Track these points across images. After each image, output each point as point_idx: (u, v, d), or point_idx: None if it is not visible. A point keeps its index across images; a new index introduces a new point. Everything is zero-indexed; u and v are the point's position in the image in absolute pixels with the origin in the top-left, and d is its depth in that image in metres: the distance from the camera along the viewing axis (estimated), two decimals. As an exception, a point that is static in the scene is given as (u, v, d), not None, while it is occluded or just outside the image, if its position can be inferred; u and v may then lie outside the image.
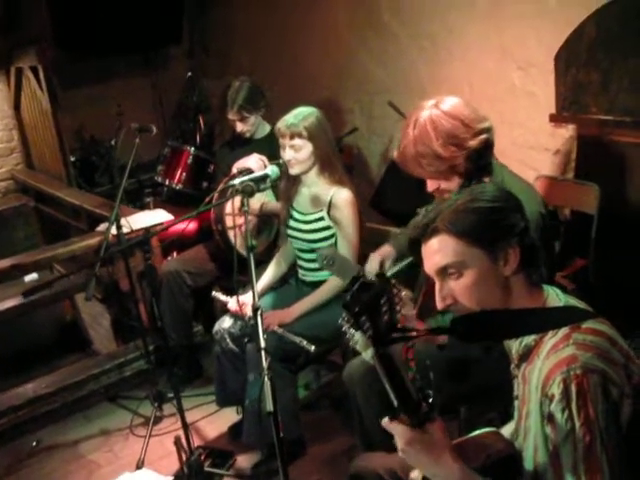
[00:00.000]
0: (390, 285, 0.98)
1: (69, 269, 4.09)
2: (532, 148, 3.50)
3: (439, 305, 1.44)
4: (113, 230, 3.05)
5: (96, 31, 4.48)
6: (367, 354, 1.04)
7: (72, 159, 4.74)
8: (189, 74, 5.58)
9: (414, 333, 1.15)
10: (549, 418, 1.31)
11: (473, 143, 1.94)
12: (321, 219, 2.80)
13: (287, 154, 2.72)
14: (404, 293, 1.36)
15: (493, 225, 1.40)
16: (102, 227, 3.49)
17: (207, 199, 2.64)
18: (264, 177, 2.55)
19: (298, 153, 2.70)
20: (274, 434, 1.74)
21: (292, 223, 2.91)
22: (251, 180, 2.37)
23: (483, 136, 1.98)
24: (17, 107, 4.86)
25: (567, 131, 3.34)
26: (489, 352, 2.00)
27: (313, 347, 2.55)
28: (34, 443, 3.19)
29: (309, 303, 2.80)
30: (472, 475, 1.35)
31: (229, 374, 2.97)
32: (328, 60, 4.59)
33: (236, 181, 2.42)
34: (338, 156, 2.82)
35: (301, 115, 2.70)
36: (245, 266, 3.38)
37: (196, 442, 2.85)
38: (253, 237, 3.30)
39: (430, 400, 1.29)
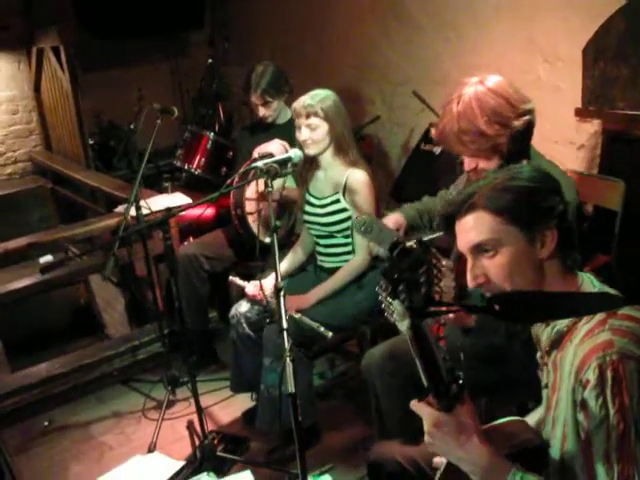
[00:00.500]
0: (430, 253, 0.94)
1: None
2: (556, 142, 3.45)
3: (470, 283, 1.41)
4: (132, 211, 3.05)
5: (118, 12, 4.48)
6: (403, 325, 1.00)
7: (90, 142, 4.74)
8: (209, 61, 5.55)
9: (449, 308, 1.11)
10: (582, 405, 1.27)
11: (517, 123, 1.91)
12: (337, 201, 2.78)
13: (303, 134, 2.71)
14: (444, 262, 1.32)
15: (532, 205, 1.36)
16: (120, 208, 3.47)
17: (229, 181, 2.61)
18: (287, 160, 2.54)
19: (314, 132, 2.68)
20: (292, 417, 1.71)
21: (308, 209, 2.89)
22: (275, 162, 2.35)
23: (527, 117, 1.95)
24: (37, 89, 4.86)
25: (592, 126, 3.29)
26: (513, 341, 1.96)
27: (330, 333, 2.52)
28: (46, 423, 3.19)
29: (327, 289, 2.77)
30: (501, 461, 1.31)
31: (245, 359, 2.95)
32: (350, 49, 4.56)
33: (259, 163, 2.40)
34: (353, 139, 2.80)
35: (318, 96, 2.70)
36: (262, 253, 3.41)
37: (209, 427, 2.84)
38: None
39: (460, 381, 1.25)
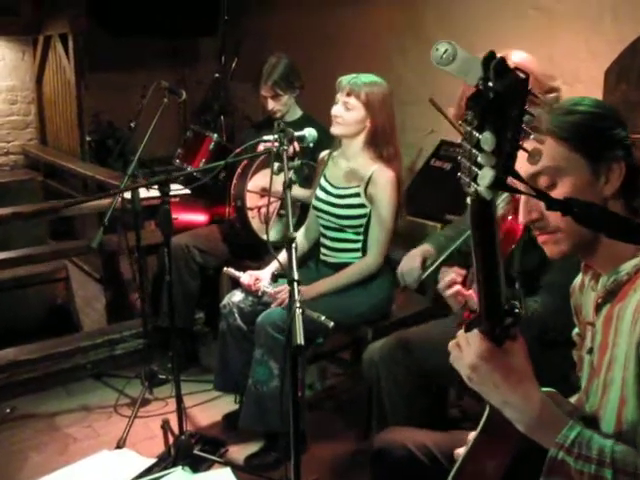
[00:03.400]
0: (529, 93, 0.77)
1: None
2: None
3: (523, 219, 1.25)
4: (127, 194, 2.89)
5: (130, 9, 4.41)
6: (485, 177, 0.81)
7: (87, 139, 4.59)
8: (216, 75, 5.48)
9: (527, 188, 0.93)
10: None
11: (545, 99, 1.81)
12: (356, 195, 2.61)
13: (336, 109, 2.56)
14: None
15: (599, 132, 1.21)
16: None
17: (238, 149, 2.46)
18: (301, 137, 2.40)
19: (347, 112, 2.54)
20: (291, 397, 1.53)
21: (322, 195, 2.71)
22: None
23: (553, 94, 1.86)
24: (39, 80, 4.74)
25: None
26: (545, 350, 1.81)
27: (332, 323, 2.31)
28: (8, 410, 2.94)
29: (331, 283, 2.60)
30: (555, 411, 1.12)
31: (232, 354, 2.73)
32: (362, 66, 4.47)
33: (270, 137, 2.27)
34: (395, 136, 2.64)
35: (369, 79, 2.57)
36: (257, 252, 3.24)
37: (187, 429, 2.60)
38: (273, 223, 3.16)
39: (516, 311, 1.06)
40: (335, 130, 2.56)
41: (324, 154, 2.77)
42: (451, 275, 1.86)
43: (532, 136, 0.86)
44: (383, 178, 2.55)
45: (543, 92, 1.86)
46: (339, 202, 2.64)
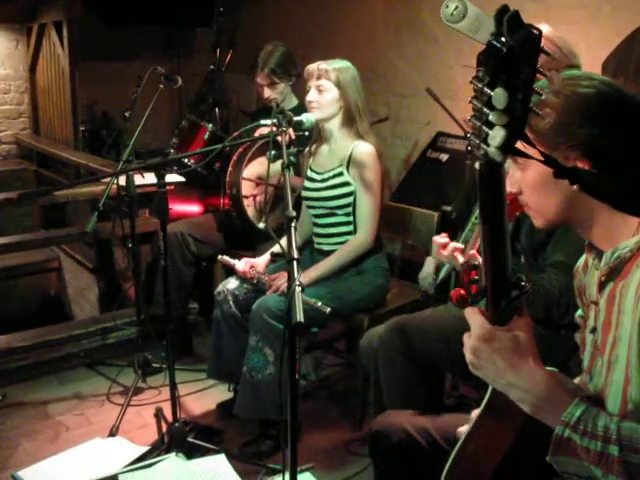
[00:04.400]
0: (542, 50, 0.74)
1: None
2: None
3: (509, 188, 1.24)
4: (121, 180, 2.86)
5: (126, -1, 4.37)
6: (496, 137, 0.79)
7: (81, 129, 4.55)
8: (211, 67, 5.45)
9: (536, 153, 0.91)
10: None
11: None
12: (340, 174, 2.62)
13: (310, 95, 2.59)
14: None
15: (559, 126, 1.19)
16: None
17: (235, 133, 2.44)
18: (299, 122, 2.39)
19: (322, 95, 2.56)
20: (290, 380, 1.50)
21: (309, 184, 2.73)
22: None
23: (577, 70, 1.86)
24: (32, 69, 4.70)
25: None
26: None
27: (329, 309, 2.29)
28: (-1, 397, 2.90)
29: (325, 267, 2.59)
30: (560, 389, 1.10)
31: (226, 342, 2.70)
32: (357, 57, 4.44)
33: (268, 121, 2.26)
34: (366, 112, 2.66)
35: (335, 62, 2.61)
36: (251, 242, 3.22)
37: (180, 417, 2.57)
38: (268, 212, 3.14)
39: (523, 283, 1.03)
40: (314, 116, 2.55)
41: (307, 149, 2.77)
42: (440, 240, 1.89)
43: (543, 96, 0.84)
44: (362, 153, 2.58)
45: (565, 67, 1.89)
46: (324, 185, 2.66)
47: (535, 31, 0.79)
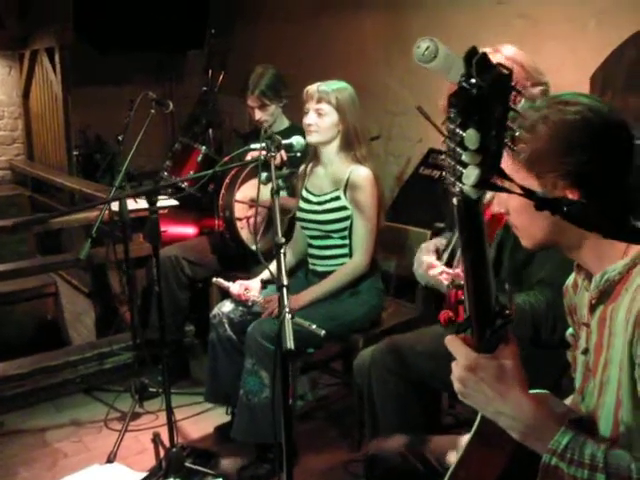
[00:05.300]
0: (513, 88, 0.75)
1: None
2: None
3: (496, 208, 1.26)
4: (114, 206, 2.87)
5: (117, 25, 4.41)
6: (469, 176, 0.81)
7: (75, 154, 4.57)
8: (204, 88, 5.48)
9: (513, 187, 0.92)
10: None
11: (533, 91, 1.87)
12: (337, 198, 2.62)
13: (309, 118, 2.57)
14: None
15: (549, 154, 1.19)
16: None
17: (226, 158, 2.46)
18: (289, 146, 2.40)
19: (321, 119, 2.55)
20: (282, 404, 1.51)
21: (305, 206, 2.73)
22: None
23: (540, 88, 1.91)
24: (26, 95, 4.73)
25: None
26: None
27: (323, 331, 2.28)
28: (-4, 426, 2.89)
29: (320, 290, 2.59)
30: (548, 416, 1.10)
31: (222, 364, 2.71)
32: (347, 75, 4.50)
33: (257, 145, 2.27)
34: (365, 137, 2.66)
35: (335, 85, 2.59)
36: (246, 264, 3.23)
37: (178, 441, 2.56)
38: (262, 234, 3.15)
39: (507, 312, 1.04)
40: (312, 139, 2.56)
41: (302, 168, 2.78)
42: (428, 259, 1.90)
43: (517, 132, 0.86)
44: (360, 178, 2.57)
45: (533, 84, 1.90)
46: (321, 208, 2.66)
47: (505, 70, 0.80)
